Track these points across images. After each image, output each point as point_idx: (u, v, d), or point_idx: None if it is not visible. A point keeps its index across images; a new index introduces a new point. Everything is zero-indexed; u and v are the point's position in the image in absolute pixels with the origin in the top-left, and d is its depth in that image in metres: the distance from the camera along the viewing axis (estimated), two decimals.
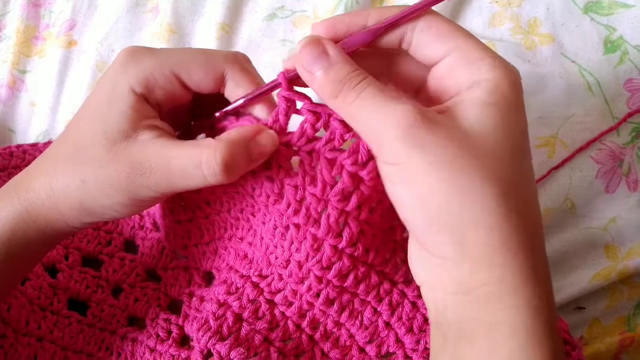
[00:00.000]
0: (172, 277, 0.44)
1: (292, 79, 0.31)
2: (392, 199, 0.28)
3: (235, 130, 0.31)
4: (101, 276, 0.44)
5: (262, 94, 0.33)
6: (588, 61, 0.50)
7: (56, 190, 0.32)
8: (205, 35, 0.57)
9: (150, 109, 0.32)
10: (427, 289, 0.28)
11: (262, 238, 0.37)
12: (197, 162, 0.29)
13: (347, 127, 0.30)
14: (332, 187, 0.31)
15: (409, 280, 0.35)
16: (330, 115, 0.30)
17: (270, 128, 0.32)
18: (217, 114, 0.35)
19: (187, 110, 0.37)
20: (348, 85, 0.27)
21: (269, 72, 0.54)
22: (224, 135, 0.31)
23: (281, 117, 0.31)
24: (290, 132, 0.32)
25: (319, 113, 0.30)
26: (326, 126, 0.31)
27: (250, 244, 0.38)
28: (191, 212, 0.40)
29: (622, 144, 0.48)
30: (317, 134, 0.31)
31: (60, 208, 0.32)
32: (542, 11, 0.52)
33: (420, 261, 0.28)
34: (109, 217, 0.33)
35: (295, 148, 0.31)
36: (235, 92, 0.33)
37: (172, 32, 0.57)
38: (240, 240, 0.39)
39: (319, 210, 0.31)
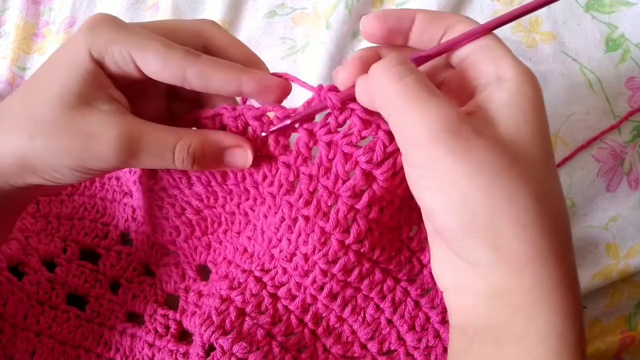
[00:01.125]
0: (165, 274, 0.44)
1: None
2: (421, 203, 0.27)
3: (217, 133, 0.32)
4: (99, 270, 0.44)
5: (308, 115, 0.32)
6: (589, 59, 0.50)
7: (2, 146, 0.31)
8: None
9: (107, 78, 0.31)
10: (453, 294, 0.28)
11: (263, 232, 0.37)
12: (171, 145, 0.31)
13: (366, 125, 0.30)
14: (344, 181, 0.30)
15: (412, 278, 0.35)
16: (353, 110, 0.30)
17: (295, 121, 0.31)
18: (263, 134, 0.33)
19: (160, 92, 0.37)
20: (394, 76, 0.26)
21: (271, 47, 0.54)
22: (204, 130, 0.32)
23: (332, 121, 0.31)
24: (314, 123, 0.32)
25: (344, 108, 0.30)
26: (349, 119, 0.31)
27: (249, 238, 0.38)
28: (180, 209, 0.40)
29: (623, 143, 0.48)
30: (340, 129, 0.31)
31: (1, 162, 0.31)
32: (543, 9, 0.52)
33: (448, 266, 0.28)
34: (51, 179, 0.32)
35: (316, 137, 0.31)
36: (206, 85, 0.32)
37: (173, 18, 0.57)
38: (237, 235, 0.39)
39: (330, 204, 0.31)
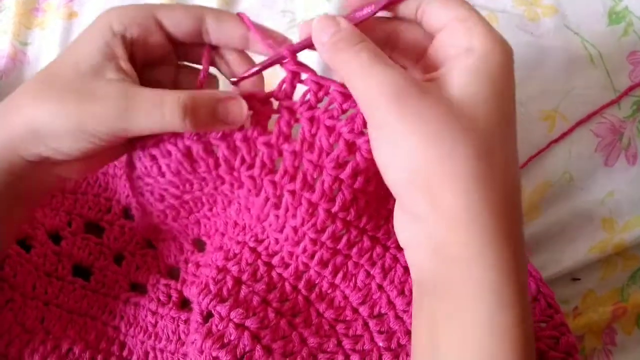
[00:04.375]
0: (165, 248, 0.45)
1: (296, 52, 0.32)
2: (378, 162, 0.29)
3: (206, 90, 0.33)
4: (103, 243, 0.45)
5: (270, 64, 0.34)
6: (591, 33, 0.50)
7: (15, 113, 0.32)
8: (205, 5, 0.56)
9: (122, 50, 0.33)
10: (409, 250, 0.29)
11: (248, 209, 0.38)
12: (159, 101, 0.31)
13: (346, 98, 0.31)
14: (328, 154, 0.32)
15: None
16: (331, 85, 0.31)
17: (276, 97, 0.33)
18: (233, 79, 0.35)
19: (170, 65, 0.37)
20: (347, 44, 0.28)
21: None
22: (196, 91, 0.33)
23: (287, 86, 0.33)
24: (294, 101, 0.33)
25: (321, 83, 0.32)
26: (327, 96, 0.32)
27: (237, 212, 0.39)
28: (160, 196, 0.40)
29: (622, 118, 0.48)
30: (320, 105, 0.32)
31: (14, 130, 0.32)
32: None
33: (402, 223, 0.29)
34: (56, 147, 0.32)
35: (298, 115, 0.32)
36: (220, 28, 0.34)
37: (172, 3, 0.57)
38: (224, 211, 0.40)
39: (315, 177, 0.33)
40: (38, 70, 0.58)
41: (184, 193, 0.39)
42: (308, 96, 0.32)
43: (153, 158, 0.35)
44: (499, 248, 0.25)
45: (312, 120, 0.32)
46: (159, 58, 0.35)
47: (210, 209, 0.41)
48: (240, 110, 0.32)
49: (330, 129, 0.32)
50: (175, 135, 0.34)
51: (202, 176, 0.36)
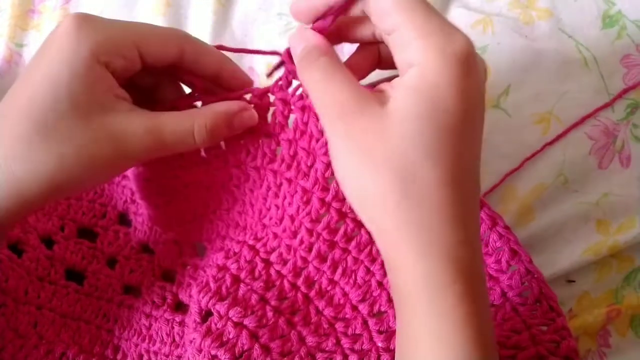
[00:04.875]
0: (164, 251, 0.45)
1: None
2: (332, 165, 0.30)
3: (222, 104, 0.35)
4: (96, 247, 0.45)
5: (274, 68, 0.36)
6: (586, 37, 0.50)
7: (21, 172, 0.29)
8: (201, 9, 0.56)
9: (111, 77, 0.31)
10: None
11: (252, 205, 0.38)
12: (190, 128, 0.33)
13: None
14: (318, 140, 0.33)
15: None
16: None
17: (272, 92, 0.35)
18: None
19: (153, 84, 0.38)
20: (308, 61, 0.30)
21: (264, 45, 0.54)
22: (212, 106, 0.34)
23: (283, 81, 0.35)
24: (287, 92, 0.35)
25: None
26: None
27: (240, 212, 0.39)
28: (168, 196, 0.41)
29: (616, 120, 0.49)
30: None
31: (23, 193, 0.29)
32: None
33: None
34: (75, 192, 0.33)
35: (292, 106, 0.34)
36: (196, 65, 0.35)
37: (168, 5, 0.57)
38: (227, 212, 0.40)
39: (309, 164, 0.34)
40: None
41: (192, 192, 0.41)
42: (301, 89, 0.34)
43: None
44: (426, 263, 0.26)
45: (303, 109, 0.34)
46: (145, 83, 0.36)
47: (214, 212, 0.41)
48: (252, 118, 0.35)
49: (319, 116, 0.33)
50: None
51: (212, 172, 0.38)
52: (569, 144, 0.48)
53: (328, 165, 0.33)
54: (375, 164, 0.26)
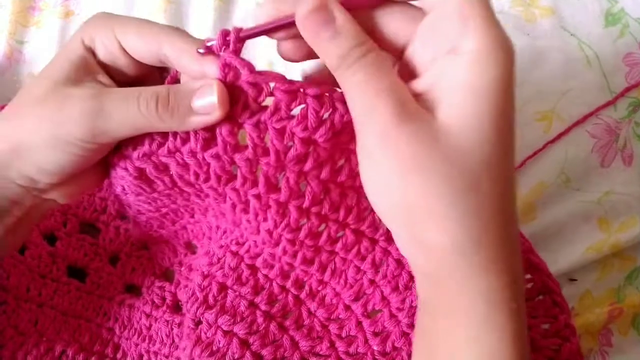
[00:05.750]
0: (158, 251, 0.44)
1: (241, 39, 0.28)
2: (364, 187, 0.28)
3: (185, 82, 0.31)
4: (98, 244, 0.45)
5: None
6: (588, 35, 0.50)
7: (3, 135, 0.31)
8: (202, 6, 0.56)
9: (97, 65, 0.32)
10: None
11: (223, 214, 0.36)
12: (135, 94, 0.29)
13: (292, 97, 0.28)
14: (285, 154, 0.29)
15: (391, 237, 0.33)
16: (273, 85, 0.28)
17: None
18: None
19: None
20: (346, 63, 0.25)
21: (265, 44, 0.54)
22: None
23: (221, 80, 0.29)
24: (234, 109, 0.30)
25: (260, 85, 0.28)
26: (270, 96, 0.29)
27: (216, 216, 0.38)
28: (137, 211, 0.39)
29: (618, 119, 0.48)
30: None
31: (1, 156, 0.31)
32: None
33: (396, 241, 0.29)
34: (38, 168, 0.31)
35: (240, 121, 0.29)
36: (178, 61, 0.31)
37: (170, 3, 0.56)
38: (204, 216, 0.39)
39: (277, 176, 0.31)
40: (34, 69, 0.59)
41: (158, 208, 0.38)
42: (248, 101, 0.29)
43: (114, 178, 0.34)
44: (487, 279, 0.25)
45: (257, 125, 0.29)
46: (136, 76, 0.34)
47: (192, 216, 0.40)
48: (211, 97, 0.28)
49: (281, 131, 0.29)
50: (125, 158, 0.32)
51: (167, 193, 0.35)
52: (570, 142, 0.48)
53: (300, 172, 0.30)
54: (429, 176, 0.24)
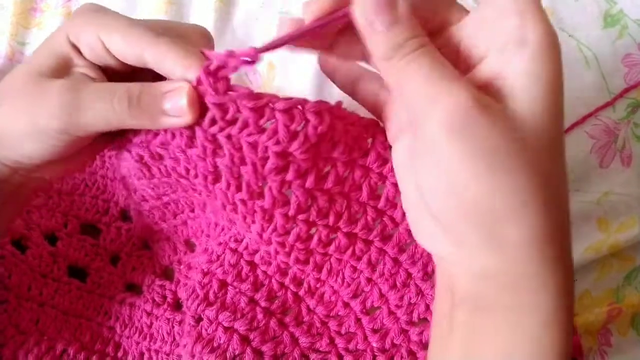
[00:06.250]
0: (159, 249, 0.45)
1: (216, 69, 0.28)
2: (416, 179, 0.26)
3: (160, 82, 0.30)
4: (99, 244, 0.45)
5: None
6: (587, 36, 0.50)
7: None
8: (202, 7, 0.56)
9: (82, 59, 0.32)
10: (441, 261, 0.28)
11: (217, 211, 0.36)
12: (110, 91, 0.29)
13: (260, 113, 0.28)
14: (263, 166, 0.29)
15: (386, 237, 0.33)
16: (238, 104, 0.28)
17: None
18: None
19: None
20: (402, 52, 0.25)
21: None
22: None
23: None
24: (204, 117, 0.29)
25: (226, 105, 0.28)
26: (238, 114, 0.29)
27: (213, 212, 0.38)
28: (141, 197, 0.40)
29: (617, 120, 0.49)
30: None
31: None
32: None
33: (433, 237, 0.28)
34: (21, 155, 0.31)
35: (211, 132, 0.29)
36: (159, 68, 0.30)
37: (170, 4, 0.57)
38: (203, 212, 0.39)
39: (260, 184, 0.30)
40: None
41: (160, 196, 0.38)
42: (215, 116, 0.29)
43: (120, 160, 0.34)
44: (553, 274, 0.24)
45: (230, 137, 0.29)
46: (126, 71, 0.33)
47: (192, 210, 0.40)
48: (181, 100, 0.28)
49: (254, 145, 0.29)
50: (128, 141, 0.32)
51: (165, 180, 0.35)
52: (570, 143, 0.48)
53: (282, 182, 0.30)
54: (506, 169, 0.23)
